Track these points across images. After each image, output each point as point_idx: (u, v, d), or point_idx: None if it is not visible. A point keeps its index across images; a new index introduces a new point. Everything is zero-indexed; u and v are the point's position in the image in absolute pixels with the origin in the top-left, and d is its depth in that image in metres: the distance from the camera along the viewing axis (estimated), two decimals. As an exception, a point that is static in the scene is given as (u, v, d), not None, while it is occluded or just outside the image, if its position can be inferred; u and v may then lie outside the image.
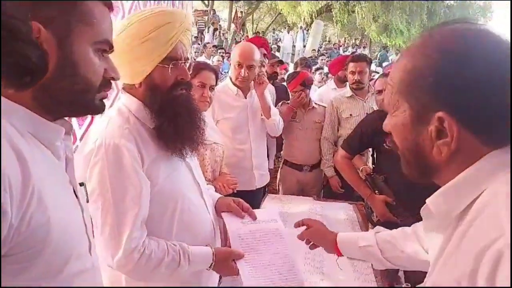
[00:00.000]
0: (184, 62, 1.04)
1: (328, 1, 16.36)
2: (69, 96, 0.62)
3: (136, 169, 0.97)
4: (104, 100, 0.69)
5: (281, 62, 3.98)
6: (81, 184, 0.75)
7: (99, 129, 1.00)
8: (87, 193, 0.77)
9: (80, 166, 0.97)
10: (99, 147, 0.95)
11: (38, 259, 0.55)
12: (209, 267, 1.08)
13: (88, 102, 0.65)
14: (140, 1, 1.80)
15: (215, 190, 1.74)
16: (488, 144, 0.55)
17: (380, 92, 1.77)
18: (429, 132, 0.57)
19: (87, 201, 0.77)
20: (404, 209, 1.71)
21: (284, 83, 3.64)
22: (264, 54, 2.77)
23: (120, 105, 1.06)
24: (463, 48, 0.54)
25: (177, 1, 2.45)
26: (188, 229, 1.09)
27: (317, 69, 5.78)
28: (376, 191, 1.82)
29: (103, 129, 0.99)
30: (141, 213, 0.97)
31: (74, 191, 0.69)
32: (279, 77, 4.08)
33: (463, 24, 0.58)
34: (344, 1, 15.75)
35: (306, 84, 2.67)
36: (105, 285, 0.90)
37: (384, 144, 1.83)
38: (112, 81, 0.69)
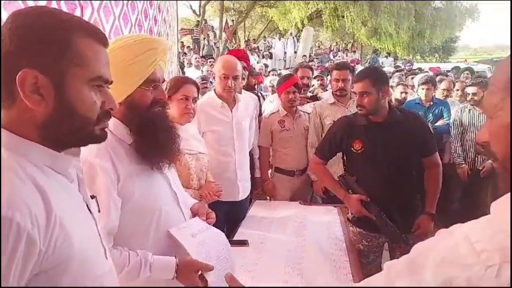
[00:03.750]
0: (162, 83, 1.16)
1: (318, 0, 16.41)
2: (69, 132, 0.69)
3: (108, 187, 1.05)
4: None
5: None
6: (92, 197, 0.84)
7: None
8: (98, 203, 0.86)
9: None
10: (82, 164, 1.05)
11: (66, 272, 0.65)
12: (174, 277, 1.11)
13: (88, 134, 0.72)
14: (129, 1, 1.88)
15: (200, 198, 1.83)
16: None
17: (361, 93, 1.88)
18: None
19: (99, 211, 0.86)
20: (377, 205, 1.86)
21: (259, 93, 3.76)
22: (244, 67, 2.84)
23: None
24: None
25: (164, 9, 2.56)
26: (164, 239, 1.16)
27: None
28: (350, 191, 1.96)
29: (85, 147, 1.09)
30: (107, 228, 1.04)
31: (88, 207, 0.79)
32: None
33: None
34: (333, 0, 15.82)
35: (298, 87, 2.77)
36: None
37: (352, 149, 1.97)
38: (110, 111, 0.77)
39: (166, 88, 1.79)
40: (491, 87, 0.57)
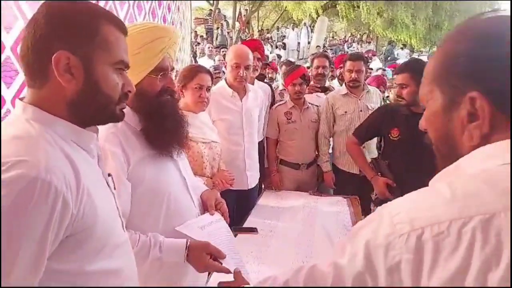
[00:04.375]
0: (171, 72, 1.17)
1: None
2: (95, 109, 0.76)
3: (118, 171, 1.06)
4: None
5: (267, 65, 4.01)
6: (109, 175, 0.88)
7: None
8: (114, 182, 0.90)
9: None
10: None
11: (91, 236, 0.71)
12: (185, 259, 1.11)
13: (111, 113, 0.79)
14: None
15: (213, 186, 1.86)
16: None
17: (400, 85, 2.01)
18: (460, 117, 0.55)
19: (114, 188, 0.90)
20: (403, 192, 1.90)
21: (272, 83, 3.71)
22: (258, 58, 2.80)
23: None
24: (492, 29, 0.55)
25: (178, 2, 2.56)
26: (174, 221, 1.18)
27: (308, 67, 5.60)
28: (379, 174, 2.09)
29: None
30: None
31: (107, 182, 0.84)
32: (267, 76, 4.19)
33: (490, 13, 0.58)
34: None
35: (305, 79, 2.73)
36: None
37: (389, 135, 2.12)
38: (128, 93, 0.84)
39: (176, 77, 1.81)
40: (422, 79, 0.64)
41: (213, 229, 1.23)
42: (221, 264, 1.11)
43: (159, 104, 1.14)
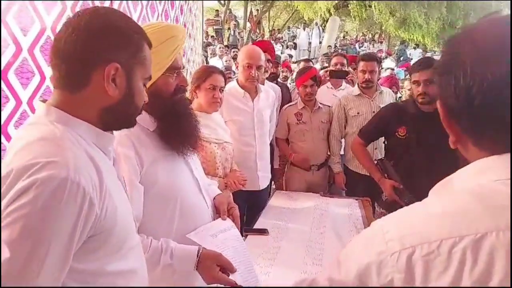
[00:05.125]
0: (182, 70, 1.18)
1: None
2: (126, 117, 0.82)
3: (131, 175, 1.07)
4: None
5: (277, 63, 3.97)
6: None
7: None
8: (125, 185, 0.91)
9: None
10: None
11: (110, 237, 0.73)
12: (195, 267, 1.09)
13: (133, 120, 0.85)
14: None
15: (226, 186, 1.86)
16: (484, 148, 0.52)
17: (426, 81, 1.99)
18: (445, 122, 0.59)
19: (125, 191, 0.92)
20: (410, 192, 1.88)
21: (286, 82, 3.69)
22: (268, 60, 2.81)
23: None
24: (461, 43, 0.54)
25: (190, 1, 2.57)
26: (188, 222, 1.18)
27: (321, 68, 5.41)
28: (386, 175, 2.07)
29: None
30: None
31: (122, 184, 0.86)
32: (281, 75, 4.18)
33: (486, 17, 0.56)
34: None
35: (316, 80, 2.72)
36: None
37: (396, 134, 2.10)
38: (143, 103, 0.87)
39: (187, 75, 1.82)
40: None
41: (226, 238, 1.20)
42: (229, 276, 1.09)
43: (173, 104, 1.15)
